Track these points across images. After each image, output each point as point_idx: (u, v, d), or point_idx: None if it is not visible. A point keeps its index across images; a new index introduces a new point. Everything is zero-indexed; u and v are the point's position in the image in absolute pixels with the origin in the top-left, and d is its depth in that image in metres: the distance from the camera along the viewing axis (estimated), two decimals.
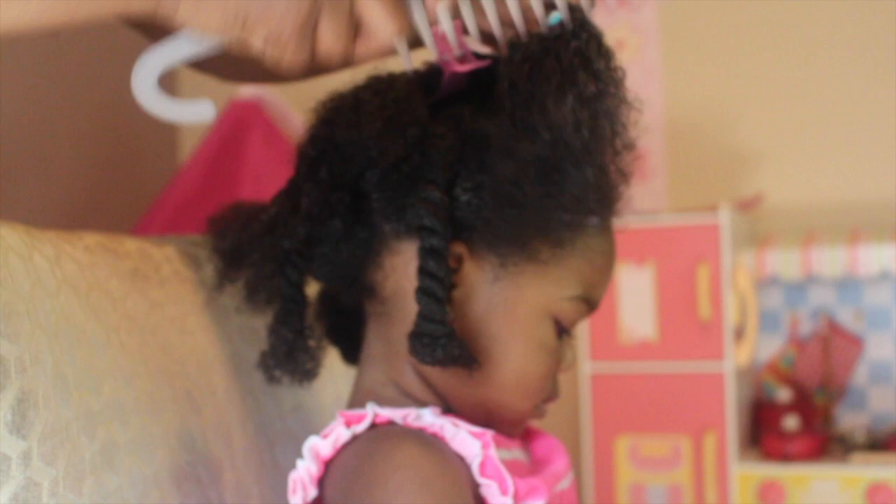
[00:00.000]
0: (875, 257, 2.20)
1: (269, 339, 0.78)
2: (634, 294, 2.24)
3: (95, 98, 2.47)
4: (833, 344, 2.42)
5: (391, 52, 0.64)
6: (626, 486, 2.26)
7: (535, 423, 0.82)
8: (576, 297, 0.74)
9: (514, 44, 0.70)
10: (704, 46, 2.54)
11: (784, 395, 2.35)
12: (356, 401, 0.77)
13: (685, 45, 2.56)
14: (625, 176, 0.73)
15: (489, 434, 0.71)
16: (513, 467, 0.71)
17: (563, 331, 0.76)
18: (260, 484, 0.85)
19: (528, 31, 0.71)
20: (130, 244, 0.82)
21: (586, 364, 2.27)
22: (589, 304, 0.76)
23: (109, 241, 0.79)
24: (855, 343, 2.42)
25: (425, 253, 0.69)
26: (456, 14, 0.67)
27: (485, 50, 0.76)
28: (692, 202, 2.45)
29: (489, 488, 0.70)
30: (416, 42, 0.73)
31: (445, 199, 0.70)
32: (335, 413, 0.75)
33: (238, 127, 2.30)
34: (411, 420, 0.72)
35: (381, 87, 0.73)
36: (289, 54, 0.58)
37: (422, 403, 0.75)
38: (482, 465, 0.70)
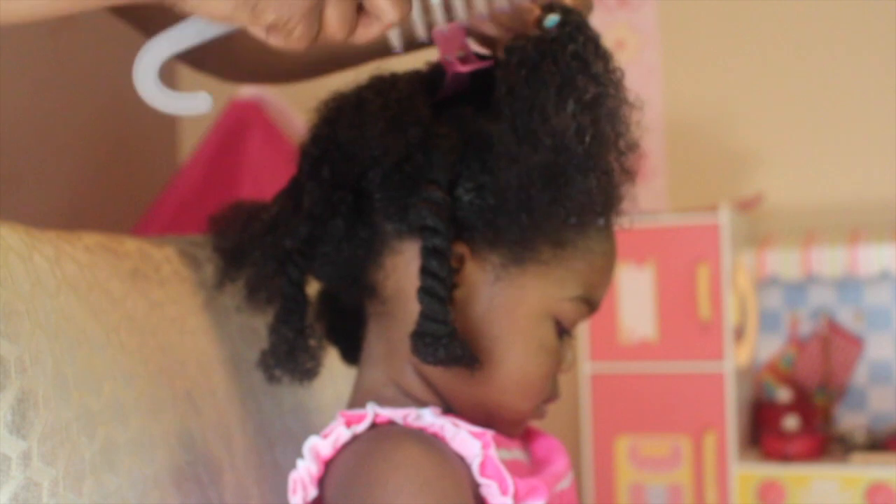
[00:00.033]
0: (875, 257, 2.19)
1: (270, 338, 0.78)
2: (634, 294, 2.24)
3: (95, 98, 2.47)
4: (833, 344, 2.42)
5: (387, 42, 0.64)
6: (626, 486, 2.26)
7: (535, 424, 0.82)
8: (577, 298, 0.74)
9: (511, 48, 0.70)
10: (704, 46, 2.54)
11: (784, 395, 2.35)
12: (356, 401, 0.77)
13: (685, 45, 2.56)
14: (629, 175, 0.73)
15: (489, 434, 0.71)
16: (513, 467, 0.71)
17: (563, 331, 0.76)
18: (260, 484, 0.85)
19: (525, 34, 0.71)
20: (130, 244, 0.82)
21: (586, 364, 2.27)
22: (590, 304, 0.76)
23: (109, 241, 0.79)
24: (855, 343, 2.42)
25: (427, 253, 0.69)
26: (454, 15, 0.67)
27: (486, 51, 0.76)
28: (692, 202, 2.45)
29: (489, 488, 0.70)
30: (417, 43, 0.73)
31: (448, 199, 0.70)
32: (335, 413, 0.75)
33: (238, 127, 2.30)
34: (411, 420, 0.72)
35: (384, 87, 0.73)
36: (295, 38, 0.58)
37: (422, 403, 0.75)
38: (482, 465, 0.70)
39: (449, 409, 0.75)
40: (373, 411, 0.72)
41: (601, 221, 0.72)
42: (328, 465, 0.72)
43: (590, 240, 0.74)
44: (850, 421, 2.40)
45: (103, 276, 0.75)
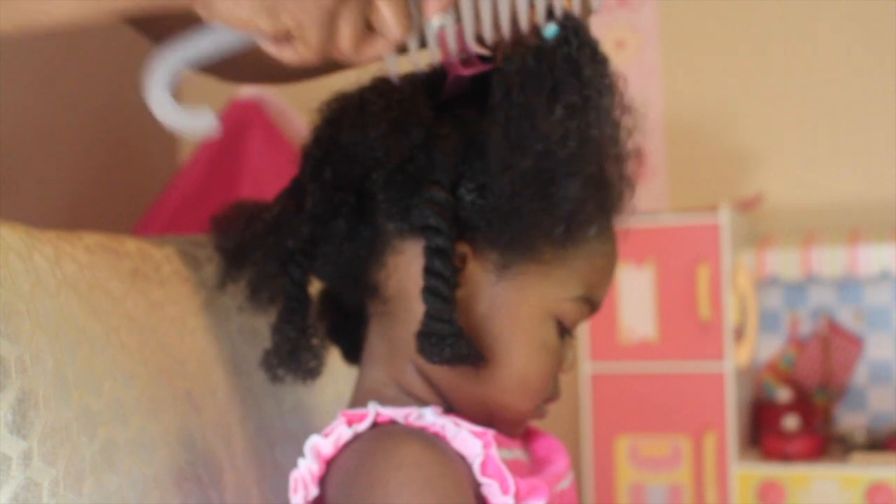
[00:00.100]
0: (875, 257, 2.19)
1: (273, 337, 0.78)
2: (634, 294, 2.24)
3: (95, 98, 2.47)
4: (833, 344, 2.42)
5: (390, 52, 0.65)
6: (626, 486, 2.26)
7: (535, 424, 0.82)
8: (578, 298, 0.74)
9: (510, 57, 0.70)
10: (704, 46, 2.54)
11: (784, 395, 2.35)
12: (358, 400, 0.77)
13: (685, 45, 2.56)
14: (627, 182, 0.74)
15: (490, 433, 0.71)
16: (514, 467, 0.72)
17: (564, 331, 0.76)
18: (260, 484, 0.85)
19: (524, 42, 0.71)
20: (130, 244, 0.82)
21: (586, 364, 2.27)
22: (591, 304, 0.76)
23: (109, 241, 0.79)
24: (855, 343, 2.42)
25: (431, 253, 0.70)
26: (456, 18, 0.67)
27: (487, 52, 0.76)
28: (692, 202, 2.45)
29: (490, 487, 0.70)
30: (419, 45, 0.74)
31: (450, 199, 0.71)
32: (336, 413, 0.75)
33: (238, 127, 2.29)
34: (413, 419, 0.72)
35: (386, 89, 0.74)
36: (307, 47, 0.60)
37: (423, 403, 0.75)
38: (483, 465, 0.70)
39: (450, 408, 0.75)
40: (374, 410, 0.72)
41: (592, 230, 0.72)
42: (329, 464, 0.72)
43: (591, 240, 0.74)
44: (850, 421, 2.40)
45: (103, 276, 0.75)
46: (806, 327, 2.45)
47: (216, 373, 0.84)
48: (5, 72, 2.10)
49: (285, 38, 0.60)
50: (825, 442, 2.24)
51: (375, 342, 0.78)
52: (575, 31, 0.70)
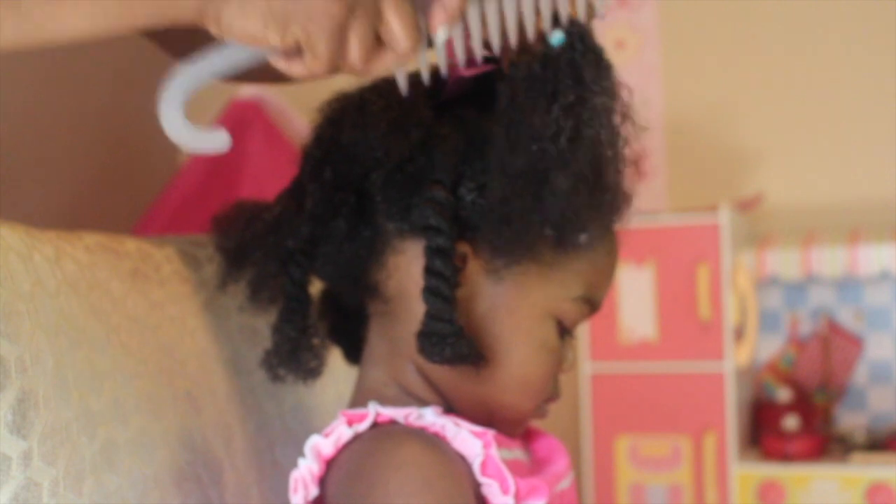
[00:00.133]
0: (875, 257, 2.19)
1: (273, 337, 0.78)
2: (634, 294, 2.24)
3: (96, 98, 2.46)
4: (833, 344, 2.42)
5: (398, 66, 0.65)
6: (626, 486, 2.26)
7: (535, 424, 0.82)
8: (578, 298, 0.74)
9: (516, 65, 0.71)
10: (704, 46, 2.54)
11: (784, 395, 2.35)
12: (358, 400, 0.77)
13: (685, 45, 2.56)
14: (625, 189, 0.74)
15: (490, 434, 0.71)
16: (514, 467, 0.72)
17: (565, 331, 0.76)
18: (260, 484, 0.85)
19: (530, 49, 0.71)
20: (130, 244, 0.82)
21: (586, 364, 2.27)
22: (591, 305, 0.76)
23: (109, 241, 0.79)
24: (855, 343, 2.42)
25: (432, 252, 0.70)
26: (463, 27, 0.68)
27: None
28: (692, 202, 2.45)
29: (490, 487, 0.70)
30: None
31: (451, 199, 0.71)
32: (336, 413, 0.75)
33: (238, 127, 2.29)
34: (413, 419, 0.72)
35: (387, 89, 0.74)
36: (317, 60, 0.60)
37: (424, 403, 0.75)
38: (483, 465, 0.70)
39: (450, 408, 0.75)
40: (374, 410, 0.72)
41: (584, 234, 0.72)
42: (329, 464, 0.72)
43: (592, 240, 0.74)
44: (850, 421, 2.40)
45: (103, 276, 0.75)
46: (806, 327, 2.45)
47: (216, 373, 0.84)
48: (5, 72, 2.10)
49: (295, 51, 0.61)
50: (825, 442, 2.24)
51: (376, 342, 0.78)
52: (580, 37, 0.70)
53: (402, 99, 0.72)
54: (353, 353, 0.82)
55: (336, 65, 0.62)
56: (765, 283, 2.34)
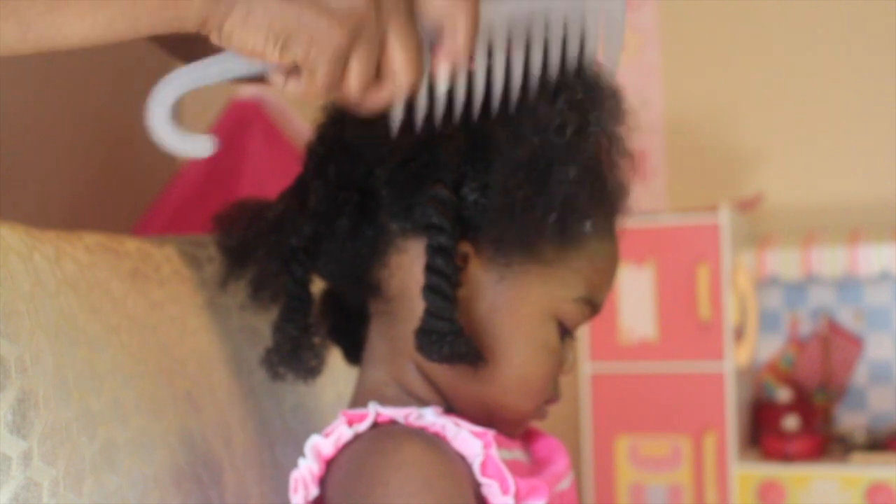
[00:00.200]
0: (875, 257, 2.19)
1: (274, 336, 0.78)
2: (634, 294, 2.24)
3: (96, 98, 2.46)
4: (833, 344, 2.42)
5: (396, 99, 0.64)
6: (626, 486, 2.26)
7: (535, 424, 0.82)
8: (580, 299, 0.74)
9: None
10: (704, 46, 2.54)
11: (784, 395, 2.34)
12: (358, 400, 0.77)
13: (685, 45, 2.56)
14: (624, 184, 0.74)
15: (490, 434, 0.71)
16: (514, 467, 0.72)
17: (565, 332, 0.76)
18: (260, 484, 0.85)
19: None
20: (130, 244, 0.82)
21: (586, 364, 2.27)
22: (592, 306, 0.76)
23: (109, 241, 0.79)
24: (855, 343, 2.42)
25: (433, 251, 0.70)
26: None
27: None
28: (692, 202, 2.45)
29: (490, 488, 0.70)
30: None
31: (453, 197, 0.71)
32: (336, 413, 0.75)
33: (238, 127, 2.29)
34: (413, 419, 0.72)
35: None
36: (315, 83, 0.59)
37: (424, 403, 0.75)
38: (483, 465, 0.70)
39: (450, 408, 0.75)
40: (374, 410, 0.72)
41: (587, 225, 0.72)
42: (329, 464, 0.72)
43: (593, 241, 0.74)
44: (850, 421, 2.40)
45: (103, 276, 0.75)
46: (806, 327, 2.45)
47: (216, 373, 0.84)
48: (5, 72, 2.10)
49: (293, 70, 0.60)
50: (825, 442, 2.24)
51: (377, 342, 0.78)
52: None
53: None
54: (354, 354, 0.82)
55: (333, 90, 0.61)
56: (765, 283, 2.34)
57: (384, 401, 0.74)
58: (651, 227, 2.24)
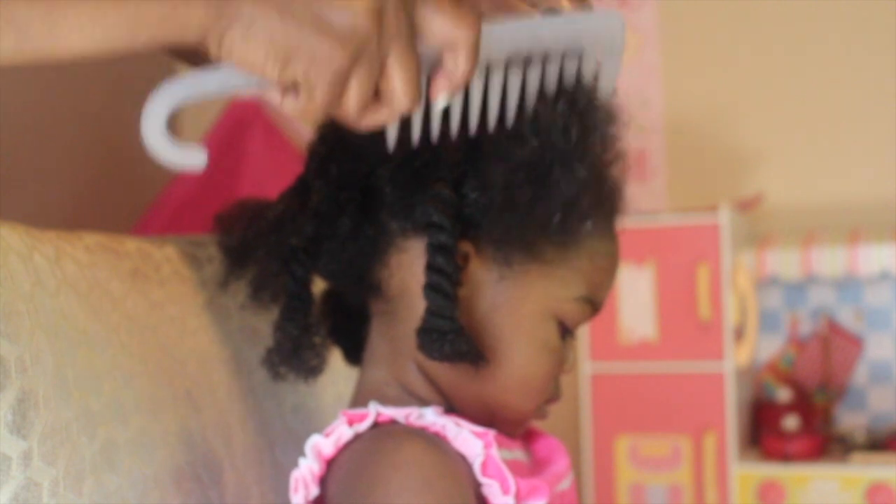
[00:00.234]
0: (875, 257, 2.19)
1: (275, 335, 0.78)
2: (634, 294, 2.24)
3: (95, 98, 2.47)
4: (833, 344, 2.42)
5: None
6: (626, 486, 2.26)
7: (535, 424, 0.82)
8: (580, 298, 0.75)
9: None
10: (704, 46, 2.54)
11: (784, 395, 2.34)
12: (359, 400, 0.77)
13: (685, 45, 2.56)
14: (620, 182, 0.74)
15: (491, 434, 0.71)
16: (514, 467, 0.72)
17: (566, 332, 0.76)
18: (260, 484, 0.85)
19: None
20: (130, 244, 0.82)
21: (586, 364, 2.27)
22: (592, 305, 0.76)
23: (109, 241, 0.79)
24: (855, 343, 2.42)
25: (434, 249, 0.70)
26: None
27: None
28: (692, 202, 2.45)
29: (491, 488, 0.70)
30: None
31: (454, 196, 0.71)
32: (336, 413, 0.75)
33: (238, 127, 2.30)
34: (414, 419, 0.72)
35: None
36: (313, 104, 0.59)
37: (425, 402, 0.75)
38: (484, 465, 0.70)
39: (451, 408, 0.75)
40: (375, 410, 0.72)
41: (587, 225, 0.72)
42: (330, 463, 0.72)
43: (593, 240, 0.74)
44: (850, 421, 2.40)
45: (103, 276, 0.75)
46: (806, 327, 2.45)
47: (216, 373, 0.84)
48: (6, 72, 2.10)
49: (291, 88, 0.59)
50: (825, 442, 2.24)
51: (377, 341, 0.78)
52: None
53: None
54: (354, 354, 0.82)
55: (330, 111, 0.60)
56: (765, 283, 2.34)
57: (385, 400, 0.74)
58: (651, 227, 2.24)
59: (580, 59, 0.69)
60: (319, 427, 0.74)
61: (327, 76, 0.58)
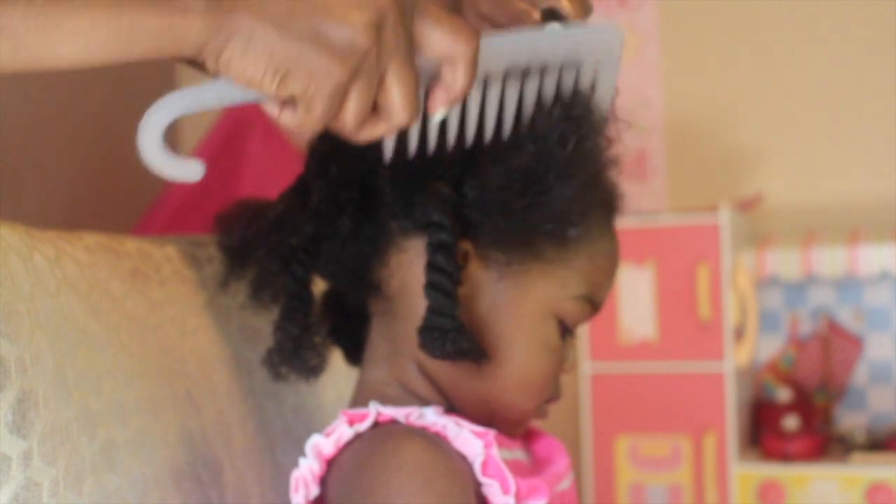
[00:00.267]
0: (875, 257, 2.19)
1: (275, 335, 0.78)
2: (634, 294, 2.24)
3: (95, 98, 2.47)
4: (833, 344, 2.42)
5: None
6: (626, 486, 2.26)
7: (535, 424, 0.82)
8: (580, 297, 0.75)
9: None
10: (704, 46, 2.54)
11: (784, 395, 2.34)
12: (359, 399, 0.77)
13: (685, 45, 2.56)
14: (616, 185, 0.75)
15: (491, 434, 0.71)
16: (514, 467, 0.72)
17: (566, 331, 0.76)
18: (260, 484, 0.85)
19: None
20: (130, 244, 0.82)
21: (586, 364, 2.27)
22: (592, 304, 0.76)
23: (109, 241, 0.79)
24: (855, 343, 2.42)
25: (434, 248, 0.70)
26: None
27: None
28: (692, 202, 2.45)
29: (491, 487, 0.70)
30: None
31: (454, 195, 0.71)
32: (336, 413, 0.75)
33: (238, 127, 2.29)
34: (414, 419, 0.72)
35: None
36: (310, 118, 0.59)
37: (425, 402, 0.75)
38: (484, 465, 0.70)
39: (451, 408, 0.75)
40: (375, 410, 0.72)
41: (574, 231, 0.72)
42: (330, 463, 0.72)
43: (593, 239, 0.74)
44: (850, 421, 2.40)
45: (103, 276, 0.75)
46: (806, 327, 2.45)
47: (216, 373, 0.84)
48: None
49: (290, 101, 0.59)
50: (825, 442, 2.24)
51: (378, 341, 0.78)
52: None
53: None
54: (355, 354, 0.82)
55: (328, 124, 0.60)
56: (765, 283, 2.34)
57: (385, 400, 0.74)
58: (651, 227, 2.24)
59: (578, 70, 0.70)
60: (319, 427, 0.74)
61: (325, 91, 0.58)
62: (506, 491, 0.70)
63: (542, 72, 0.69)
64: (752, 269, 2.27)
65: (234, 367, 0.87)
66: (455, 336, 0.69)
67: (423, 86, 0.62)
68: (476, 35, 0.61)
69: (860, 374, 2.42)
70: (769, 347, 2.47)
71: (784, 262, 2.25)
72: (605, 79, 0.71)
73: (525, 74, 0.68)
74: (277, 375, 0.79)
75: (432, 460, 0.67)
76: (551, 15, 0.71)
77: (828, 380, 2.42)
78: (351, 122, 0.60)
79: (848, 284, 2.40)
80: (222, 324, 0.87)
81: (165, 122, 0.60)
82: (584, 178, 0.71)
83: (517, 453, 0.77)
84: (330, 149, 0.75)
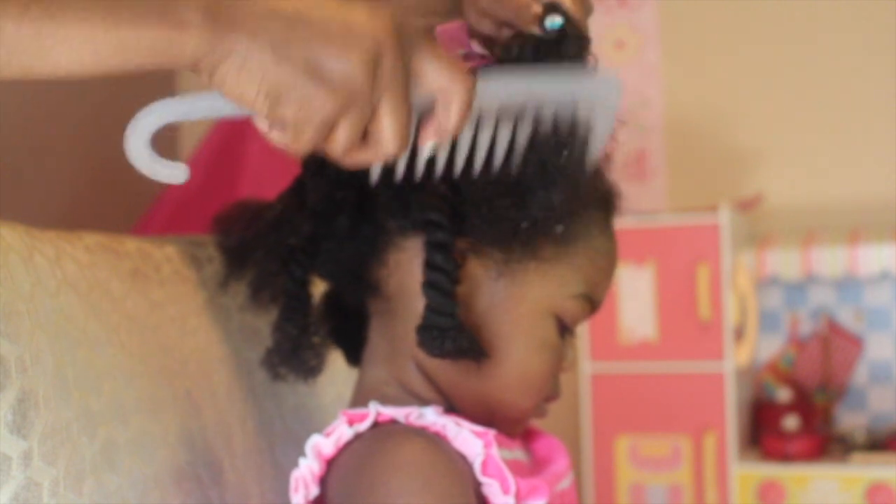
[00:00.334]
0: (875, 257, 2.19)
1: (274, 336, 0.78)
2: (634, 294, 2.24)
3: (95, 98, 2.47)
4: (833, 344, 2.42)
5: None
6: (626, 486, 2.26)
7: (535, 423, 0.82)
8: (579, 296, 0.75)
9: (509, 46, 0.71)
10: (704, 46, 2.54)
11: (784, 395, 2.34)
12: (359, 399, 0.77)
13: (685, 45, 2.56)
14: (613, 184, 0.75)
15: (491, 433, 0.71)
16: (514, 467, 0.72)
17: (565, 329, 0.76)
18: (260, 484, 0.85)
19: (523, 32, 0.71)
20: (130, 244, 0.82)
21: (586, 364, 2.27)
22: (591, 303, 0.76)
23: (109, 241, 0.79)
24: (855, 343, 2.42)
25: (432, 247, 0.70)
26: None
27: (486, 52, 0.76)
28: (692, 202, 2.45)
29: (491, 487, 0.70)
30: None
31: (451, 194, 0.71)
32: (336, 413, 0.75)
33: (238, 126, 2.29)
34: (414, 419, 0.72)
35: None
36: (300, 142, 0.59)
37: (424, 402, 0.75)
38: (484, 465, 0.70)
39: (451, 407, 0.75)
40: (375, 410, 0.72)
41: (559, 229, 0.72)
42: (330, 463, 0.72)
43: (592, 238, 0.74)
44: (850, 421, 2.40)
45: (103, 276, 0.75)
46: (806, 327, 2.45)
47: (216, 373, 0.84)
48: None
49: (280, 123, 0.59)
50: (825, 442, 2.24)
51: (377, 341, 0.78)
52: (577, 40, 0.70)
53: None
54: (354, 355, 0.82)
55: (316, 149, 0.60)
56: (765, 283, 2.34)
57: (385, 400, 0.74)
58: (651, 227, 2.24)
59: (573, 117, 0.69)
60: (319, 427, 0.74)
61: (316, 121, 0.57)
62: (506, 491, 0.70)
63: (537, 112, 0.68)
64: (752, 269, 2.27)
65: (234, 367, 0.87)
66: (454, 335, 0.69)
67: (416, 117, 0.62)
68: (472, 78, 0.61)
69: (860, 374, 2.42)
70: (769, 347, 2.47)
71: (784, 262, 2.25)
72: (600, 125, 0.70)
73: (519, 115, 0.68)
74: (276, 375, 0.79)
75: (432, 460, 0.67)
76: (552, 9, 0.71)
77: (828, 380, 2.42)
78: (339, 149, 0.60)
79: (848, 284, 2.40)
80: (222, 324, 0.87)
81: (155, 126, 0.60)
82: (571, 178, 0.71)
83: (517, 453, 0.77)
84: None
